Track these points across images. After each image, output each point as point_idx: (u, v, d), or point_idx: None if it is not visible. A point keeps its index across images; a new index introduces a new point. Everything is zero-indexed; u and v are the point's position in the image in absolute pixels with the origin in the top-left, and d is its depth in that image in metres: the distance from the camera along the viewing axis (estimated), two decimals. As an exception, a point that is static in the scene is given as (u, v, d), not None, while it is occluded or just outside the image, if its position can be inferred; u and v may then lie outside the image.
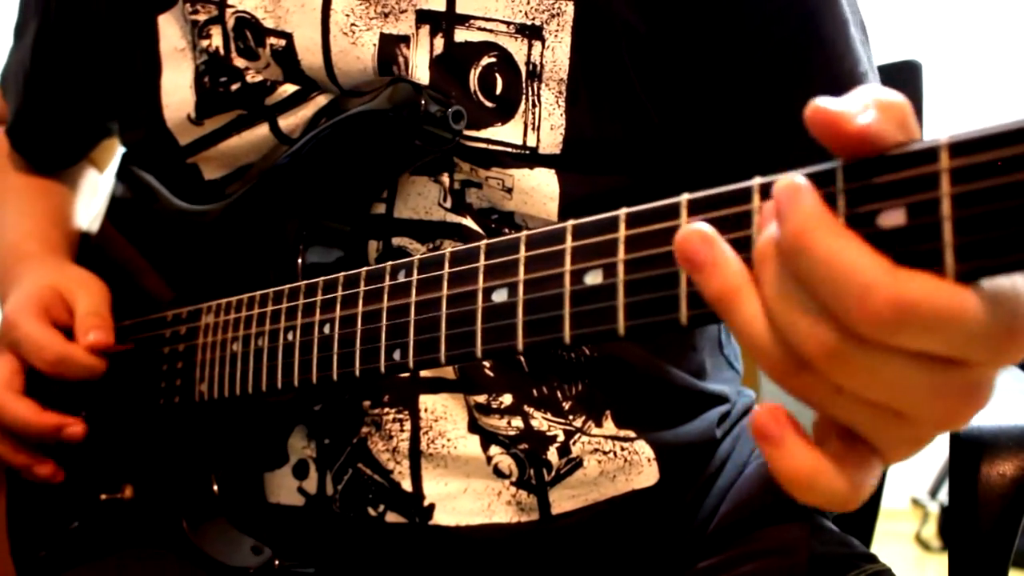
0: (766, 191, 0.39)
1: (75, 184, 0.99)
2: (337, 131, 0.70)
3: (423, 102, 0.65)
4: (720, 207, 0.41)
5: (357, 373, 0.59)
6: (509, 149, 0.69)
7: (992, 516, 0.66)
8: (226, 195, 0.79)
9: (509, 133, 0.69)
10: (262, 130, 0.76)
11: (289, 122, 0.75)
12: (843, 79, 0.67)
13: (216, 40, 0.76)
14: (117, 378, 0.82)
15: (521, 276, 0.49)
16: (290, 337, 0.65)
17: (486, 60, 0.69)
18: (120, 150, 0.94)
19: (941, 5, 3.58)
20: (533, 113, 0.69)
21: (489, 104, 0.69)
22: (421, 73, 0.69)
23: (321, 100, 0.73)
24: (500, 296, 0.50)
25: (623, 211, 0.45)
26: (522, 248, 0.49)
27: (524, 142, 0.69)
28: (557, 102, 0.68)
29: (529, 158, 0.69)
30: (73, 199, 0.98)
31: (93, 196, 1.01)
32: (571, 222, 0.48)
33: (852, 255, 0.34)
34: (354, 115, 0.69)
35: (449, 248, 0.54)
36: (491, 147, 0.69)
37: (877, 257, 0.35)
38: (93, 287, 0.82)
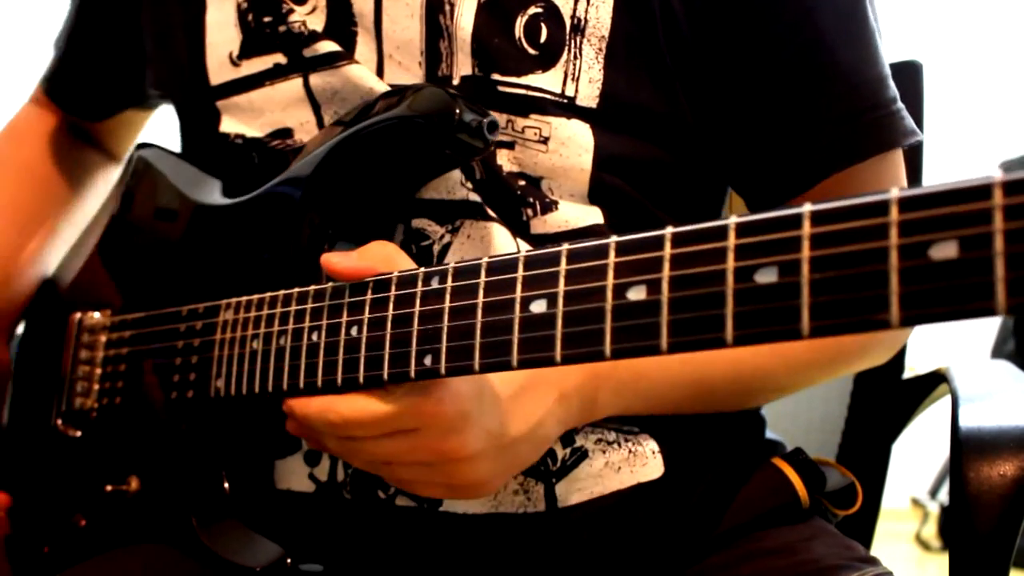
0: (817, 218, 0.40)
1: (80, 183, 1.00)
2: (364, 137, 0.70)
3: (457, 111, 0.65)
4: (767, 232, 0.42)
5: (385, 376, 0.59)
6: (548, 96, 0.71)
7: (992, 516, 0.67)
8: (236, 181, 0.80)
9: (549, 81, 0.71)
10: (294, 84, 0.77)
11: (321, 81, 0.75)
12: (839, 111, 0.70)
13: None
14: (128, 370, 0.82)
15: (561, 288, 0.50)
16: (315, 337, 0.64)
17: (533, 9, 0.71)
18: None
19: (941, 5, 3.61)
20: (574, 64, 0.71)
21: (532, 51, 0.71)
22: (467, 19, 0.71)
23: (353, 70, 0.74)
24: (539, 307, 0.51)
25: (669, 230, 0.46)
26: (563, 261, 0.50)
27: (563, 91, 0.71)
28: (597, 58, 0.71)
29: (567, 107, 0.71)
30: (64, 198, 0.98)
31: (105, 190, 1.01)
32: (614, 238, 0.48)
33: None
34: (384, 121, 0.69)
35: (486, 258, 0.55)
36: (531, 93, 0.71)
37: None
38: None
